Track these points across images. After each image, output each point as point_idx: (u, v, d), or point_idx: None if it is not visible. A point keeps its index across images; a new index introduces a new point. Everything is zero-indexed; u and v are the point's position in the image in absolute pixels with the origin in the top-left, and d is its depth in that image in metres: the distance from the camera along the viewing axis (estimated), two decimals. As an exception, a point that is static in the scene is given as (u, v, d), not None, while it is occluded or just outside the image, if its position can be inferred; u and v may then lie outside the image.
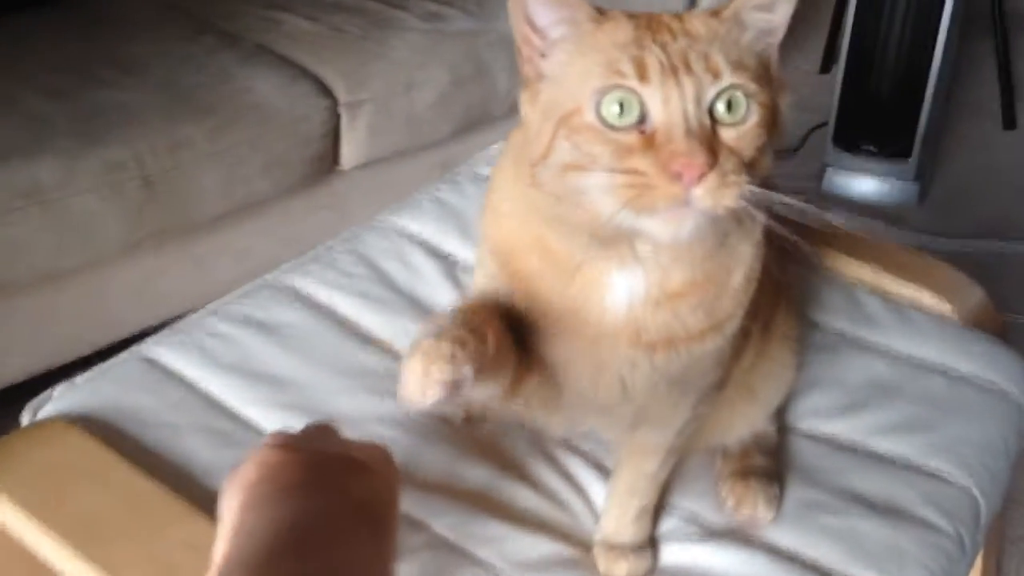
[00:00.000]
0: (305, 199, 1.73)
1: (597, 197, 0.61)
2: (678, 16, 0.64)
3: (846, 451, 0.98)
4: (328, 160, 1.71)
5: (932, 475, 0.96)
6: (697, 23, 0.62)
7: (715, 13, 0.64)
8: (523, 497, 0.89)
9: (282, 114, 1.59)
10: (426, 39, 1.82)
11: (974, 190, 2.43)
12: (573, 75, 0.62)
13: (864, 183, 2.37)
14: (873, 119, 2.30)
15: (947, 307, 1.17)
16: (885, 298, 1.17)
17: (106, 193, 1.40)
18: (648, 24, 0.62)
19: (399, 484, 0.62)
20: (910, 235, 2.20)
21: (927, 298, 1.18)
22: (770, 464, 0.94)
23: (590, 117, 0.60)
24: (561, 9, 0.63)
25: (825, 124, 2.37)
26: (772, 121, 0.63)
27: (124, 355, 0.97)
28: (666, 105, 0.59)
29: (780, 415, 1.00)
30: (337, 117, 1.68)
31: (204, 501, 0.81)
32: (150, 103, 1.50)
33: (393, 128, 1.76)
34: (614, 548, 0.85)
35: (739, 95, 0.61)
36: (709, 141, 0.60)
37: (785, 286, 0.92)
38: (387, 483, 0.60)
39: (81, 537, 0.76)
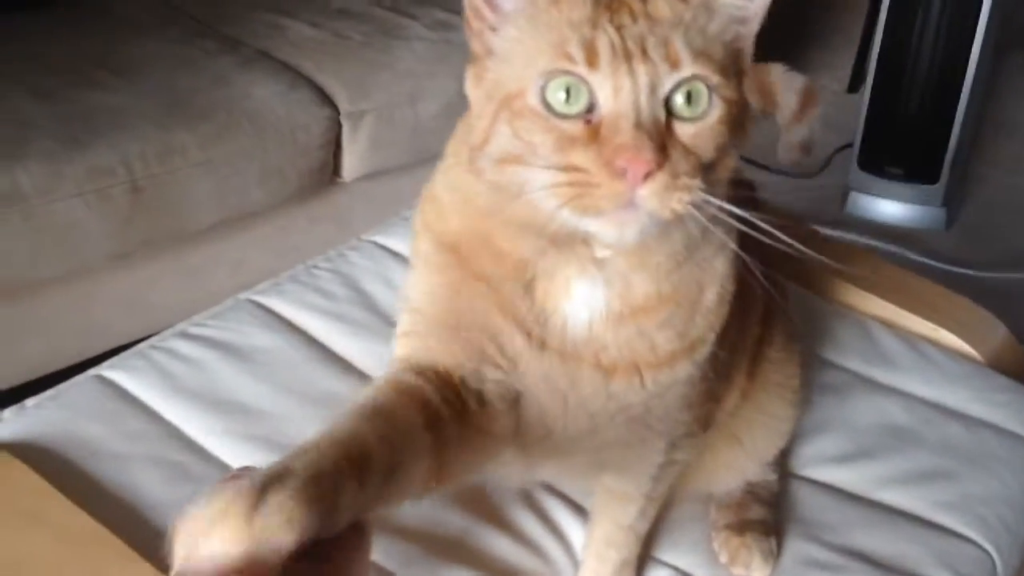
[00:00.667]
0: (304, 211, 1.67)
1: (537, 194, 0.55)
2: None
3: (852, 502, 0.92)
4: (328, 171, 1.65)
5: (944, 531, 0.90)
6: (661, 4, 0.56)
7: None
8: (499, 545, 0.83)
9: (281, 122, 1.54)
10: (434, 49, 1.76)
11: (1005, 216, 2.34)
12: (521, 54, 0.56)
13: (889, 207, 2.29)
14: (900, 141, 2.23)
15: (968, 347, 1.10)
16: (902, 336, 1.11)
17: (92, 200, 1.36)
18: (608, 2, 0.56)
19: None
20: (934, 263, 2.12)
21: (947, 336, 1.12)
22: (768, 516, 0.88)
23: (533, 101, 0.54)
24: None
25: (850, 145, 2.30)
26: (738, 119, 0.57)
27: (80, 378, 0.92)
28: (616, 94, 0.53)
29: (782, 459, 0.93)
30: (338, 127, 1.63)
31: (151, 542, 0.75)
32: (142, 107, 1.46)
33: (396, 140, 1.70)
34: None
35: (700, 87, 0.54)
36: (661, 136, 0.53)
37: (778, 321, 0.84)
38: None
39: (8, 581, 0.70)
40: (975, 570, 0.86)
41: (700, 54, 0.55)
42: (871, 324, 1.12)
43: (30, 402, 0.88)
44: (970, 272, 2.10)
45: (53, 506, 0.76)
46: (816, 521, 0.89)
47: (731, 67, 0.57)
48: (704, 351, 0.66)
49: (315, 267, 1.10)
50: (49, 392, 0.90)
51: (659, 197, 0.52)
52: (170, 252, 1.53)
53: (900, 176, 2.25)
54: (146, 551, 0.74)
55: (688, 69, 0.54)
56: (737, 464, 0.86)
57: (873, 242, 2.17)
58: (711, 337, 0.66)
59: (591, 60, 0.53)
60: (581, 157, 0.53)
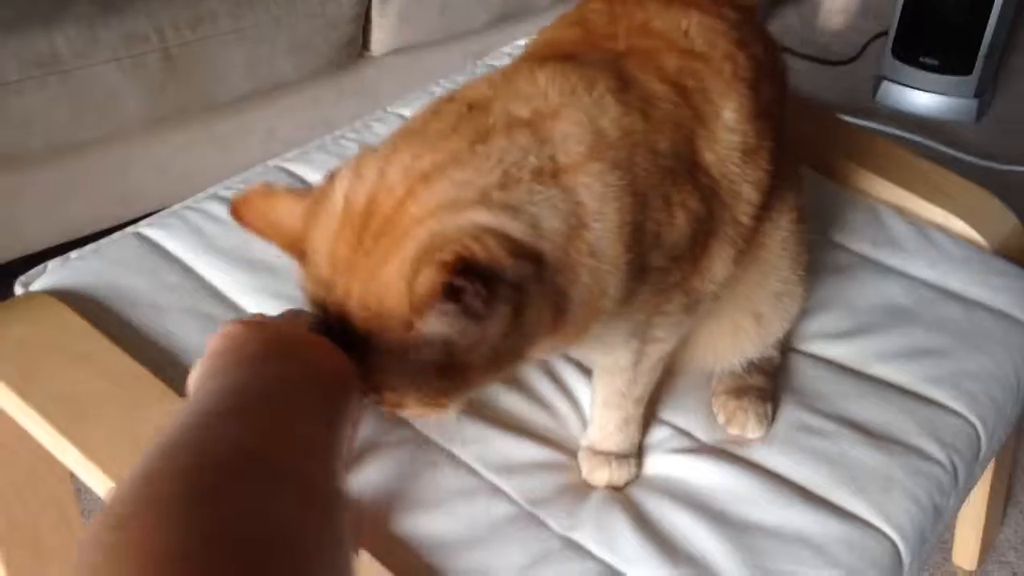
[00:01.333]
0: (333, 84, 1.70)
1: None
2: None
3: (846, 375, 0.95)
4: (357, 45, 1.67)
5: (933, 404, 0.93)
6: None
7: None
8: (508, 399, 0.88)
9: (310, -7, 1.55)
10: (465, -78, 1.75)
11: (1037, 110, 2.32)
12: None
13: (920, 98, 2.27)
14: (936, 30, 2.20)
15: (976, 234, 1.12)
16: (911, 221, 1.13)
17: (127, 65, 1.39)
18: None
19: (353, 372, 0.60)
20: (962, 155, 2.11)
21: (956, 223, 1.14)
22: (767, 384, 0.92)
23: None
24: None
25: (885, 34, 2.27)
26: None
27: (119, 234, 0.97)
28: None
29: (784, 336, 0.97)
30: (368, 1, 1.63)
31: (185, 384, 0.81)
32: (175, -25, 1.47)
33: (426, 15, 1.71)
34: (598, 455, 0.84)
35: None
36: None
37: (787, 195, 0.86)
38: (345, 370, 0.59)
39: (59, 413, 0.76)
40: (959, 441, 0.90)
41: None
42: (882, 209, 1.14)
43: (73, 254, 0.93)
44: (997, 165, 2.09)
45: (97, 347, 0.82)
46: (811, 391, 0.93)
47: None
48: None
49: (342, 137, 1.13)
50: (90, 246, 0.95)
51: None
52: (202, 120, 1.57)
53: (934, 66, 2.23)
54: (180, 390, 0.80)
55: None
56: (743, 346, 0.89)
57: (902, 132, 2.17)
58: None
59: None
60: None
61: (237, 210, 0.63)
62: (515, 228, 0.59)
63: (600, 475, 0.83)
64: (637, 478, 0.85)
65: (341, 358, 0.58)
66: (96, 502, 1.31)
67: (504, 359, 0.62)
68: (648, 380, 0.83)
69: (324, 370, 0.57)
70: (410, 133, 0.64)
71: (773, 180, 0.78)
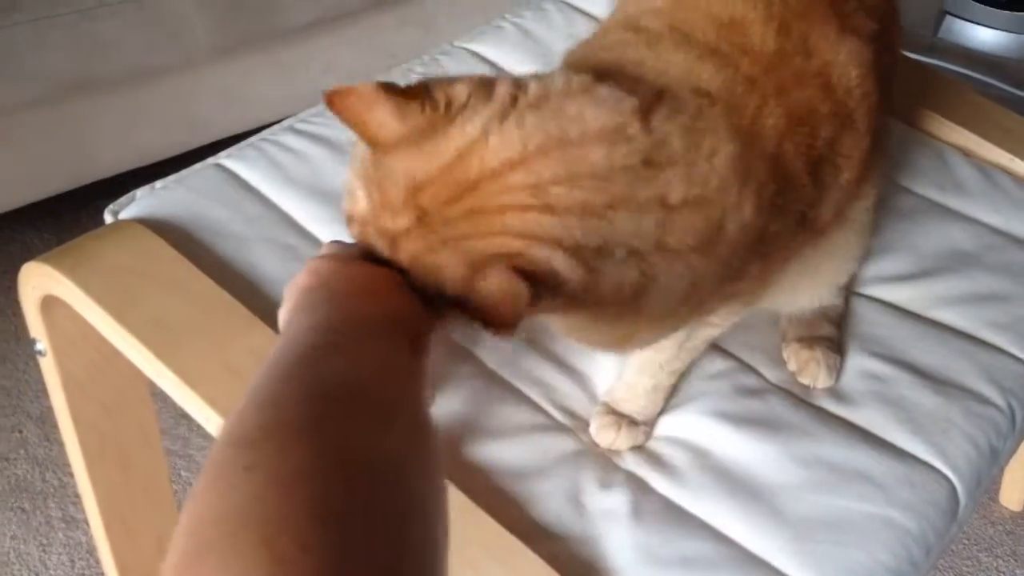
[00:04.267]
0: (395, 14, 1.70)
1: None
2: None
3: (908, 319, 0.96)
4: (420, -26, 1.67)
5: (993, 348, 0.94)
6: None
7: None
8: (570, 350, 0.89)
9: (374, -77, 1.55)
10: None
11: (1104, 49, 2.26)
12: None
13: (983, 34, 2.22)
14: (1003, -36, 2.14)
15: (1044, 178, 1.12)
16: (977, 164, 1.13)
17: (196, -6, 1.41)
18: None
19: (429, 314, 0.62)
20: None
21: (1022, 166, 1.13)
22: (835, 334, 0.93)
23: None
24: None
25: (950, -34, 2.22)
26: None
27: (200, 165, 0.99)
28: None
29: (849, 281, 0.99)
30: (432, -71, 1.63)
31: (269, 311, 0.84)
32: (243, -97, 1.47)
33: (488, -57, 1.70)
34: (611, 414, 0.84)
35: None
36: None
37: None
38: (421, 306, 0.62)
39: (152, 338, 0.80)
40: (1017, 385, 0.91)
41: None
42: (948, 152, 1.14)
43: (158, 184, 0.96)
44: (1060, 105, 2.06)
45: (185, 274, 0.85)
46: (874, 336, 0.94)
47: None
48: None
49: (411, 71, 1.14)
50: (173, 176, 0.98)
51: None
52: (266, 49, 1.59)
53: (999, 2, 2.18)
54: (266, 317, 0.83)
55: None
56: (810, 288, 0.90)
57: (964, 70, 2.13)
58: None
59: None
60: None
61: (334, 102, 0.59)
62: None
63: (606, 436, 0.83)
64: (640, 444, 0.85)
65: (413, 297, 0.61)
66: (169, 424, 1.37)
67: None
68: (690, 358, 0.83)
69: (403, 307, 0.59)
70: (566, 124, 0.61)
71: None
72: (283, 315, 0.61)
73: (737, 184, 0.64)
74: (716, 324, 0.80)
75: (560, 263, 0.58)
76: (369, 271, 0.62)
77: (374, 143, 0.59)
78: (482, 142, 0.59)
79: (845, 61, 0.73)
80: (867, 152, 0.76)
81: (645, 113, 0.62)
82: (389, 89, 0.59)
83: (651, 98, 0.63)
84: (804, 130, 0.70)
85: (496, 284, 0.56)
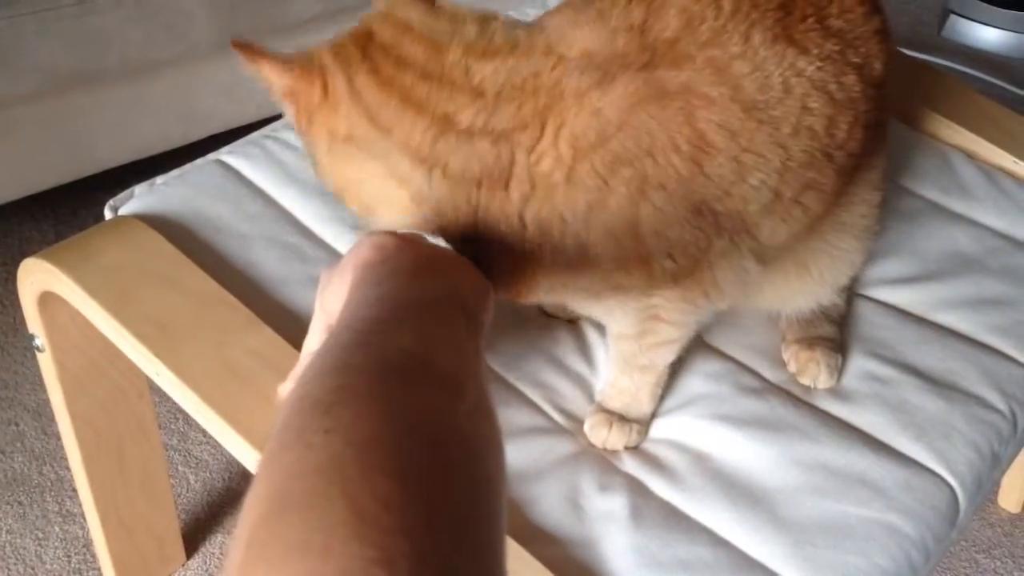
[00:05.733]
0: (397, 8, 1.69)
1: None
2: None
3: (910, 321, 0.96)
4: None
5: (995, 352, 0.94)
6: None
7: None
8: (574, 359, 0.90)
9: (378, -84, 1.54)
10: None
11: (1108, 50, 2.26)
12: None
13: (988, 33, 2.22)
14: (1008, -38, 2.14)
15: (1048, 182, 1.12)
16: (981, 167, 1.12)
17: (198, -13, 1.40)
18: None
19: (491, 292, 0.63)
20: (1027, 94, 2.07)
21: (1028, 170, 1.13)
22: (835, 334, 0.93)
23: None
24: None
25: (955, -35, 2.22)
26: None
27: (200, 161, 0.99)
28: None
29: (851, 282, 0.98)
30: (435, -77, 1.62)
31: (270, 311, 0.84)
32: None
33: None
34: (601, 412, 0.84)
35: None
36: None
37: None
38: (484, 286, 0.62)
39: (150, 335, 0.79)
40: (1020, 390, 0.91)
41: None
42: (952, 154, 1.14)
43: (159, 179, 0.96)
44: (1063, 106, 2.06)
45: (186, 272, 0.85)
46: (876, 338, 0.94)
47: None
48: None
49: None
50: (175, 172, 0.97)
51: None
52: (270, 43, 1.57)
53: (1003, 1, 2.18)
54: (266, 317, 0.83)
55: None
56: (807, 290, 0.89)
57: (968, 69, 2.13)
58: None
59: None
60: None
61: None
62: None
63: (598, 434, 0.83)
64: (636, 447, 0.85)
65: (480, 278, 0.62)
66: (167, 419, 1.36)
67: None
68: (656, 358, 0.82)
69: (466, 287, 0.60)
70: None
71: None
72: (333, 296, 0.61)
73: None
74: (669, 322, 0.79)
75: None
76: (433, 250, 0.63)
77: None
78: None
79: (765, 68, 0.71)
80: (800, 162, 0.74)
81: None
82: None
83: None
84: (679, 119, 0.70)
85: None
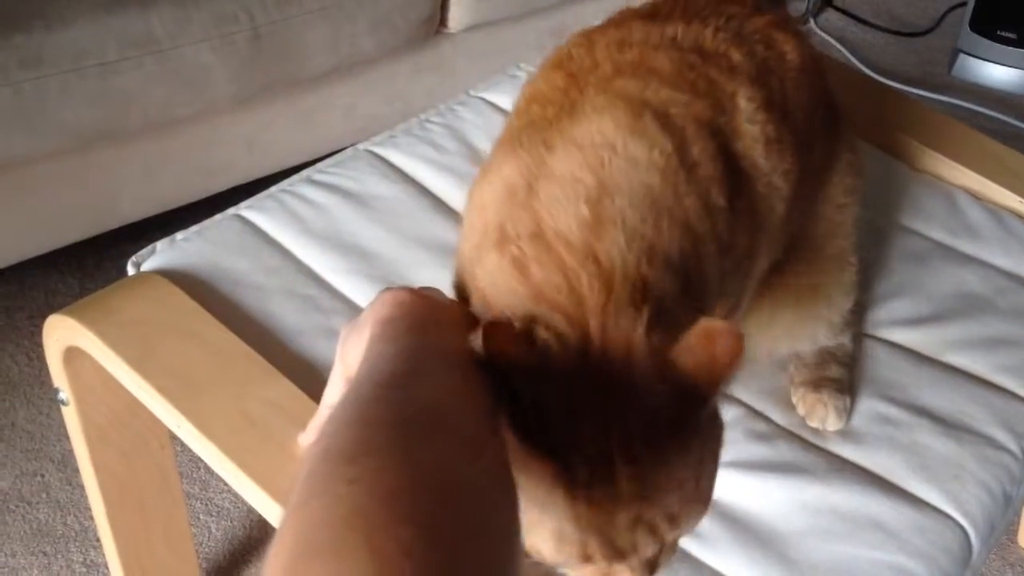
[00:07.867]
0: (411, 60, 1.73)
1: None
2: None
3: (921, 363, 0.97)
4: (435, 22, 1.69)
5: (1005, 393, 0.95)
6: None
7: None
8: None
9: (391, -28, 1.58)
10: (543, -102, 1.76)
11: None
12: None
13: (998, 72, 2.24)
14: (1016, 1, 2.16)
15: (1055, 222, 1.13)
16: (987, 207, 1.14)
17: (217, 45, 1.43)
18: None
19: None
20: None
21: (1035, 210, 1.14)
22: (843, 375, 0.93)
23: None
24: None
25: (963, 5, 2.24)
26: None
27: (220, 216, 1.01)
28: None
29: (858, 321, 0.99)
30: (447, -23, 1.66)
31: (288, 363, 0.86)
32: (262, -44, 1.51)
33: (504, -9, 1.73)
34: None
35: None
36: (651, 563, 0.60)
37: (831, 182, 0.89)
38: None
39: (171, 388, 0.81)
40: (1031, 430, 0.92)
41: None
42: (958, 194, 1.15)
43: (179, 235, 0.99)
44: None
45: (206, 326, 0.87)
46: (886, 379, 0.94)
47: None
48: None
49: (428, 121, 1.17)
50: (194, 227, 1.00)
51: None
52: (286, 97, 1.62)
53: (1013, 40, 2.19)
54: (284, 369, 0.85)
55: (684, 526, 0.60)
56: (800, 327, 0.91)
57: (978, 107, 2.14)
58: None
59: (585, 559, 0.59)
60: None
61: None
62: None
63: None
64: None
65: None
66: (188, 468, 1.38)
67: None
68: None
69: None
70: None
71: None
72: (353, 348, 0.63)
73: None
74: None
75: None
76: (448, 306, 0.65)
77: None
78: None
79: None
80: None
81: None
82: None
83: None
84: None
85: None
